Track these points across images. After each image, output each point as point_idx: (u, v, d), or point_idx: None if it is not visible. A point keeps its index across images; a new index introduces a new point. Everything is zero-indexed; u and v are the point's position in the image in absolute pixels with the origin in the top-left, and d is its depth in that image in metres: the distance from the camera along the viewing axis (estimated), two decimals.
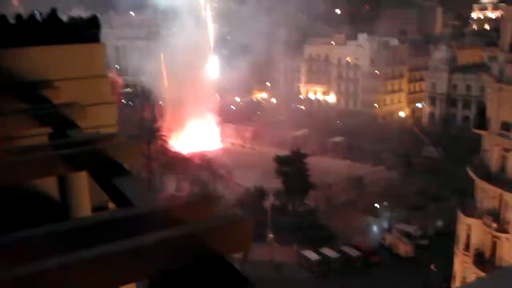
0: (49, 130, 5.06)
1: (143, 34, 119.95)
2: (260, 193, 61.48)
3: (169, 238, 2.61)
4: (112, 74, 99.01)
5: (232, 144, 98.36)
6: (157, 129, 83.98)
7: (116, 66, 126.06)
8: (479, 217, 37.82)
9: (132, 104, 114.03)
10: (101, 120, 7.35)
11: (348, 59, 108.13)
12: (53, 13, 8.48)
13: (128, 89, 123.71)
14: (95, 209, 5.44)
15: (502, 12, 45.25)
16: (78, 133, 5.02)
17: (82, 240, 3.08)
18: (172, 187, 68.88)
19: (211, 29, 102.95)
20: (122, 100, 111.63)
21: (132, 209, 3.19)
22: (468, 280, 38.45)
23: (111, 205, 5.09)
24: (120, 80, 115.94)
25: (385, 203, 63.12)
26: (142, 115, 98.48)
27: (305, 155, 66.99)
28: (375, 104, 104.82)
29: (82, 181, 4.95)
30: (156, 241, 2.56)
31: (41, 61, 7.45)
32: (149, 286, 2.69)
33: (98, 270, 2.49)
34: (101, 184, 3.76)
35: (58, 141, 4.80)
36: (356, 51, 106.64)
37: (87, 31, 8.54)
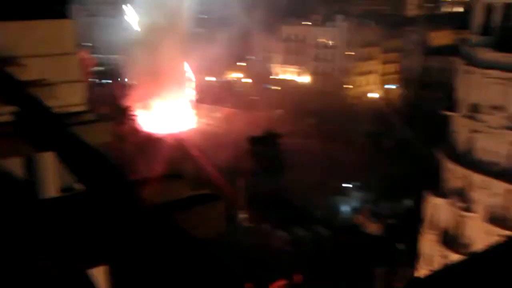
0: (14, 109, 4.90)
1: (116, 11, 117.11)
2: (233, 173, 61.63)
3: (139, 220, 2.57)
4: (83, 52, 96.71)
5: (206, 124, 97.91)
6: (129, 109, 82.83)
7: (88, 43, 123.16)
8: (446, 197, 38.83)
9: (103, 83, 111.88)
10: (69, 99, 7.16)
11: (324, 40, 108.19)
12: None
13: (100, 67, 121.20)
14: (63, 190, 5.33)
15: None
16: (45, 112, 4.88)
17: (49, 221, 3.01)
18: (144, 168, 68.28)
19: (186, 7, 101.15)
20: (94, 79, 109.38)
21: (100, 190, 3.12)
22: (434, 258, 39.61)
23: (79, 186, 4.98)
24: (91, 58, 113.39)
25: (355, 183, 64.18)
26: (114, 94, 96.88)
27: (278, 136, 67.31)
28: (348, 86, 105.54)
29: (49, 162, 4.83)
30: (123, 223, 2.51)
31: (6, 37, 7.18)
32: (116, 271, 2.65)
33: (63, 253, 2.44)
34: (69, 165, 3.67)
35: (24, 120, 4.66)
36: (332, 32, 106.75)
37: (55, 6, 8.25)
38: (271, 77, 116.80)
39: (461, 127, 38.07)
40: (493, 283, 1.75)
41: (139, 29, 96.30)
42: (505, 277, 1.79)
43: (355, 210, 60.49)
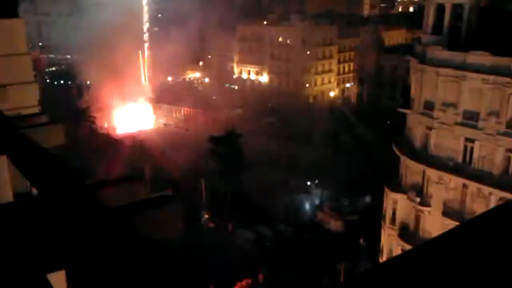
0: None
1: (68, 10, 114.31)
2: (194, 174, 61.25)
3: (94, 223, 2.51)
4: (34, 52, 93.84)
5: (165, 124, 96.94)
6: (85, 110, 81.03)
7: (39, 43, 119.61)
8: (404, 192, 39.86)
9: (57, 83, 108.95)
10: (22, 101, 6.94)
11: (281, 39, 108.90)
12: None
13: (53, 67, 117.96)
14: (17, 195, 5.16)
15: None
16: None
17: (4, 227, 2.91)
18: (103, 170, 66.89)
19: (143, 7, 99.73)
20: (47, 79, 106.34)
21: (55, 194, 3.04)
22: (394, 252, 40.59)
23: (35, 191, 4.84)
24: (43, 58, 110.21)
25: (316, 181, 64.96)
26: (69, 95, 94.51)
27: (239, 135, 67.34)
28: (306, 85, 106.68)
29: (1, 166, 4.66)
30: (80, 227, 2.46)
31: None
32: (76, 272, 2.58)
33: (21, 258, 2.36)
34: (22, 169, 3.55)
35: None
36: (288, 31, 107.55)
37: (4, 5, 7.97)
38: (229, 76, 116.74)
39: (416, 124, 39.15)
40: (435, 272, 1.81)
41: (94, 28, 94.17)
42: (446, 266, 1.85)
43: (316, 208, 61.24)
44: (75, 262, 2.59)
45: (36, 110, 6.96)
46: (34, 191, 3.79)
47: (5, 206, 3.76)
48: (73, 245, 2.53)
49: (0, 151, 4.22)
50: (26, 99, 7.30)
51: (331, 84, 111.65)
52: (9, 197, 4.86)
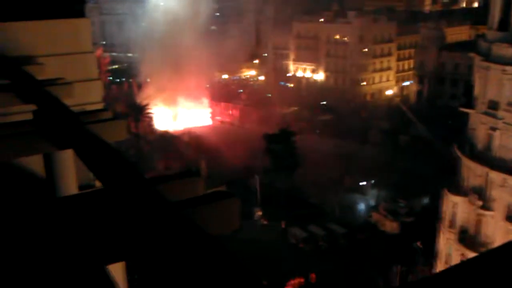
0: (33, 107, 4.96)
1: (131, 9, 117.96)
2: (249, 171, 61.71)
3: (154, 217, 2.58)
4: (98, 50, 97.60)
5: (221, 122, 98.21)
6: (145, 107, 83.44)
7: (102, 42, 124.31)
8: (464, 195, 38.36)
9: (119, 81, 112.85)
10: (87, 97, 7.23)
11: (337, 36, 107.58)
12: None
13: (115, 65, 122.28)
14: (81, 187, 5.38)
15: None
16: (64, 110, 4.93)
17: (68, 219, 3.04)
18: (160, 165, 68.78)
19: (200, 5, 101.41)
20: (109, 77, 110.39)
21: (117, 188, 3.15)
22: (452, 257, 39.20)
23: (98, 183, 5.04)
24: (106, 56, 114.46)
25: (372, 181, 63.76)
26: (130, 92, 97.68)
27: (293, 133, 67.22)
28: (363, 82, 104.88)
29: (68, 160, 4.88)
30: (141, 220, 2.53)
31: (24, 36, 7.27)
32: (135, 267, 2.67)
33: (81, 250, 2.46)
34: (87, 163, 3.70)
35: (42, 118, 4.71)
36: (345, 29, 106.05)
37: (71, 5, 8.33)
38: (285, 74, 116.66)
39: (479, 124, 37.57)
40: (497, 282, 1.73)
41: (155, 27, 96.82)
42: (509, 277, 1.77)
43: (372, 208, 60.12)
44: (135, 254, 2.67)
45: (100, 106, 7.23)
46: (98, 184, 3.94)
47: (71, 197, 3.93)
48: (134, 238, 2.60)
49: (67, 145, 4.42)
50: (91, 96, 7.59)
51: (390, 82, 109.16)
52: (74, 189, 5.08)
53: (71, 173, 4.99)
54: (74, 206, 3.21)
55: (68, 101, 5.40)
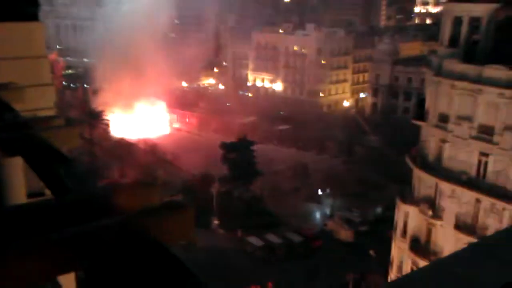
0: None
1: (87, 14, 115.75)
2: (206, 180, 61.38)
3: (106, 227, 2.54)
4: (52, 55, 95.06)
5: (178, 130, 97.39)
6: (100, 113, 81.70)
7: (58, 46, 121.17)
8: (416, 204, 39.50)
9: (74, 86, 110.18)
10: (38, 102, 7.03)
11: (296, 48, 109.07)
12: None
13: (70, 70, 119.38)
14: (31, 196, 5.21)
15: (442, 8, 47.07)
16: (13, 116, 4.78)
17: (14, 228, 2.94)
18: (115, 173, 67.41)
19: (159, 11, 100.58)
20: (63, 82, 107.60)
21: (68, 196, 3.07)
22: (404, 265, 40.18)
23: (48, 192, 4.88)
24: (61, 61, 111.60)
25: (327, 190, 64.73)
26: (84, 98, 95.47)
27: (251, 143, 67.44)
28: (320, 94, 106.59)
29: (16, 167, 4.72)
30: (92, 230, 2.48)
31: None
32: (85, 278, 2.60)
33: (28, 260, 2.39)
34: (37, 171, 3.60)
35: None
36: (304, 41, 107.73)
37: (24, 8, 8.10)
38: (244, 83, 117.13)
39: (430, 136, 38.86)
40: None
41: (112, 32, 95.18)
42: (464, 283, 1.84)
43: (327, 217, 60.96)
44: (86, 265, 2.61)
45: (52, 112, 7.04)
46: (48, 193, 3.83)
47: (19, 206, 3.81)
48: (83, 248, 2.55)
49: (15, 151, 4.28)
50: (43, 101, 7.39)
51: (345, 94, 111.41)
52: (23, 197, 4.92)
53: (19, 181, 4.83)
54: (22, 215, 3.11)
55: (18, 107, 5.24)
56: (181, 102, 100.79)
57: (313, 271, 47.99)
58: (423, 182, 39.17)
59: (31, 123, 4.53)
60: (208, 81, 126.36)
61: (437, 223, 38.00)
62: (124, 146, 75.34)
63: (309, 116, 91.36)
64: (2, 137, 4.29)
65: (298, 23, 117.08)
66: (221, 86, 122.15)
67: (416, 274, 1.89)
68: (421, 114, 40.21)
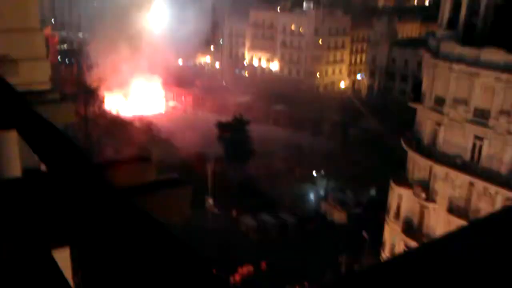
0: None
1: None
2: (201, 159, 61.37)
3: (104, 201, 2.49)
4: (47, 29, 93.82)
5: (174, 108, 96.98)
6: (95, 90, 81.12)
7: (52, 20, 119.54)
8: (410, 187, 39.74)
9: (68, 62, 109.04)
10: (33, 76, 6.92)
11: (293, 27, 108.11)
12: None
13: (65, 45, 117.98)
14: (26, 170, 5.16)
15: None
16: (8, 89, 4.69)
17: (11, 202, 2.90)
18: (111, 150, 67.22)
19: None
20: (58, 57, 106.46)
21: (62, 172, 3.02)
22: (397, 247, 40.62)
23: (43, 167, 4.82)
24: (55, 35, 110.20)
25: (322, 171, 64.94)
26: (79, 74, 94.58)
27: (246, 122, 67.28)
28: (317, 74, 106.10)
29: (11, 141, 4.65)
30: (88, 206, 2.43)
31: None
32: (80, 253, 2.58)
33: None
34: (32, 145, 3.53)
35: None
36: (301, 19, 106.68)
37: None
38: (240, 62, 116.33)
39: (426, 119, 38.90)
40: (443, 272, 1.78)
41: (106, 7, 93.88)
42: (455, 266, 1.82)
43: (321, 199, 61.28)
44: (80, 240, 2.58)
45: (47, 86, 6.94)
46: (43, 167, 3.79)
47: (14, 181, 3.76)
48: (79, 223, 2.51)
49: (10, 125, 4.21)
50: (37, 75, 7.28)
51: (342, 75, 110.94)
52: (18, 172, 4.86)
53: (14, 155, 4.77)
54: (17, 190, 3.06)
55: (12, 80, 5.14)
56: (177, 80, 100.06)
57: (306, 252, 48.42)
58: (418, 164, 39.36)
59: (26, 96, 4.45)
60: (205, 59, 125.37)
61: (430, 205, 38.30)
62: (119, 124, 75.03)
63: (305, 96, 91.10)
64: None
65: (296, 1, 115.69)
66: (217, 65, 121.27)
67: (409, 254, 1.86)
68: (418, 96, 40.18)
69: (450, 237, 1.97)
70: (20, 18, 7.43)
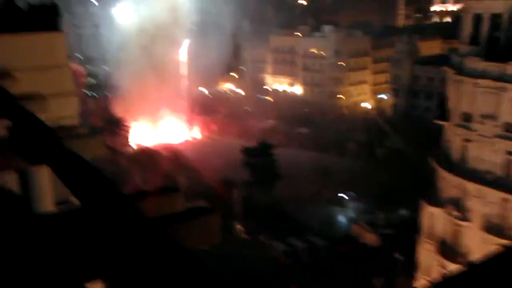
0: (7, 122, 4.84)
1: (107, 22, 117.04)
2: (228, 185, 61.46)
3: (134, 234, 2.52)
4: (74, 64, 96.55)
5: (199, 135, 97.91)
6: (122, 121, 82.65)
7: (78, 55, 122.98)
8: (442, 206, 38.84)
9: (95, 95, 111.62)
10: (62, 111, 7.11)
11: (314, 50, 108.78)
12: (11, 0, 8.13)
13: (91, 79, 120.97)
14: (58, 204, 5.26)
15: (462, 5, 46.43)
16: (39, 125, 4.82)
17: (45, 237, 2.95)
18: (138, 180, 67.97)
19: (176, 17, 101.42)
20: (85, 91, 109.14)
21: (95, 205, 3.07)
22: (432, 268, 39.53)
23: (74, 200, 4.91)
24: (82, 70, 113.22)
25: (350, 193, 64.15)
26: (106, 106, 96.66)
27: (272, 146, 67.32)
28: (340, 96, 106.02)
29: (43, 176, 4.76)
30: (119, 237, 2.46)
31: None
32: (111, 285, 2.59)
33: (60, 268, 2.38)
34: (63, 179, 3.61)
35: (17, 134, 4.60)
36: (321, 43, 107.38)
37: (46, 19, 8.22)
38: (263, 87, 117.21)
39: (454, 136, 38.24)
40: None
41: (132, 40, 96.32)
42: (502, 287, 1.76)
43: (351, 221, 60.39)
44: (114, 273, 2.60)
45: (75, 121, 7.11)
46: (74, 201, 3.85)
47: (47, 215, 3.83)
48: (112, 255, 2.53)
49: (42, 160, 4.31)
50: (66, 110, 7.47)
51: (365, 95, 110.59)
52: (50, 206, 4.95)
53: (47, 190, 4.87)
54: (51, 224, 3.11)
55: (42, 116, 5.29)
56: (201, 108, 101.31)
57: (338, 276, 47.55)
58: (448, 183, 38.53)
59: (56, 132, 4.57)
60: (227, 86, 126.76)
61: (464, 224, 37.30)
62: (146, 153, 76.01)
63: (329, 118, 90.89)
64: (28, 146, 4.33)
65: (315, 25, 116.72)
66: (239, 91, 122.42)
67: (454, 279, 1.81)
68: (443, 113, 39.62)
69: (490, 261, 1.91)
70: (49, 56, 7.68)
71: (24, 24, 7.67)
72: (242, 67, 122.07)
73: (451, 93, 39.02)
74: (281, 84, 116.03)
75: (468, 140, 36.81)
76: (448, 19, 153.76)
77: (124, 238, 2.50)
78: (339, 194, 64.47)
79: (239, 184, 61.32)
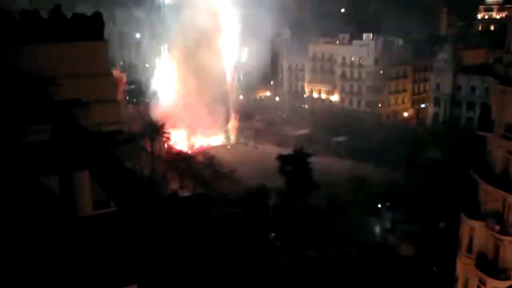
0: (50, 127, 5.04)
1: (149, 29, 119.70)
2: (263, 192, 61.46)
3: (169, 240, 2.59)
4: (115, 71, 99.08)
5: (236, 142, 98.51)
6: (161, 127, 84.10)
7: (120, 62, 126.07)
8: (482, 219, 37.65)
9: (135, 101, 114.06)
10: (104, 117, 7.34)
11: (353, 58, 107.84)
12: (57, 10, 8.45)
13: (132, 85, 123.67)
14: (96, 207, 5.42)
15: (507, 13, 45.11)
16: (81, 131, 5.00)
17: (84, 239, 3.06)
18: (175, 185, 68.95)
19: (216, 26, 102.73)
20: (126, 97, 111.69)
21: (132, 208, 3.17)
22: (470, 282, 38.33)
23: (112, 203, 5.07)
24: (123, 77, 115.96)
25: (387, 203, 63.02)
26: (146, 112, 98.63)
27: (308, 155, 67.00)
28: (379, 104, 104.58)
29: (83, 180, 4.93)
30: (158, 243, 2.54)
31: (44, 58, 7.44)
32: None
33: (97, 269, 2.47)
34: (102, 184, 3.74)
35: (60, 139, 4.78)
36: (361, 51, 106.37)
37: (90, 28, 8.50)
38: (300, 95, 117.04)
39: (496, 148, 37.06)
40: None
41: (172, 48, 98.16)
42: None
43: (388, 231, 59.28)
44: (149, 277, 2.67)
45: (117, 127, 7.32)
46: (113, 205, 3.97)
47: (85, 218, 3.97)
48: (147, 261, 2.62)
49: (82, 166, 4.47)
50: (108, 116, 7.70)
51: (405, 104, 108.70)
52: (89, 209, 5.13)
53: (86, 194, 5.04)
54: (90, 227, 3.23)
55: (85, 122, 5.48)
56: (239, 114, 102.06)
57: (373, 287, 46.70)
58: (490, 195, 37.32)
59: (97, 138, 4.73)
60: (265, 94, 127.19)
61: (506, 238, 36.02)
62: (183, 158, 77.04)
63: (367, 127, 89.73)
64: (70, 151, 4.50)
65: (355, 33, 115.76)
66: (277, 99, 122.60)
67: None
68: (486, 124, 38.48)
69: None
70: (92, 64, 7.95)
71: (69, 33, 7.97)
72: (280, 75, 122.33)
73: (495, 103, 37.90)
74: (318, 93, 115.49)
75: (511, 152, 35.62)
76: (492, 27, 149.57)
77: (159, 244, 2.58)
78: (376, 204, 63.43)
79: (274, 192, 61.24)
